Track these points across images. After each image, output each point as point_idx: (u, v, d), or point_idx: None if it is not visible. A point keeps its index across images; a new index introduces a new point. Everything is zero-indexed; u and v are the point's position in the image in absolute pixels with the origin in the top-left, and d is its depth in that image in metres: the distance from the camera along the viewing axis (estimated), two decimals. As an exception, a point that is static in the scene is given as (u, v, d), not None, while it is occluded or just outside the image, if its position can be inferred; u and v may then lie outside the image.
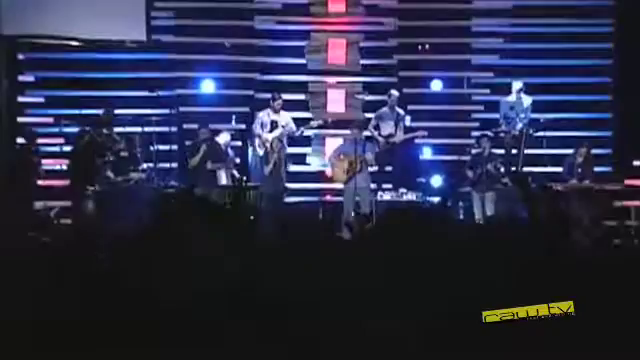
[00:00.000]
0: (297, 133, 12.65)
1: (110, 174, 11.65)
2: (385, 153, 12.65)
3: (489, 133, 12.70)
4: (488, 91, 13.82)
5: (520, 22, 13.97)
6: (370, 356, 3.17)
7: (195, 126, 12.81)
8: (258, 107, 13.10)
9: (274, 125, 12.45)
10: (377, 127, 12.82)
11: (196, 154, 12.20)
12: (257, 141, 12.47)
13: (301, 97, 13.72)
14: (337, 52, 13.90)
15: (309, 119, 13.19)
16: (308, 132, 13.32)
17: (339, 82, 13.92)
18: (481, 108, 13.87)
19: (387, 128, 12.78)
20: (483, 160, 12.26)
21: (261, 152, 12.40)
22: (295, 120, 12.74)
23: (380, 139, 12.71)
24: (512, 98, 12.83)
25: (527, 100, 12.82)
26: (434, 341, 3.22)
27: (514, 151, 12.59)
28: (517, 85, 12.84)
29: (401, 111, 12.87)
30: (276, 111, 12.54)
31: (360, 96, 13.77)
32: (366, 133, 12.76)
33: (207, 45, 13.73)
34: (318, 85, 13.89)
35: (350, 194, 12.03)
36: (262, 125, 12.47)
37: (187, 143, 12.74)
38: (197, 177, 11.96)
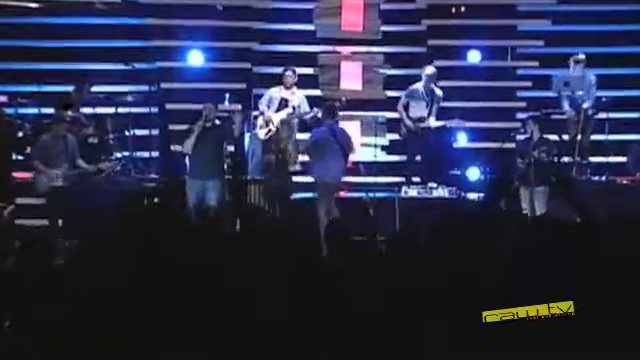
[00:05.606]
0: (310, 116, 12.38)
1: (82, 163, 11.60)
2: (412, 140, 12.63)
3: (538, 115, 12.55)
4: (537, 64, 13.85)
5: (578, -21, 13.96)
6: (382, 354, 3.85)
7: (181, 106, 12.92)
8: (256, 83, 13.11)
9: (283, 104, 12.34)
10: (407, 107, 12.73)
11: (190, 135, 11.28)
12: (260, 121, 12.33)
13: (309, 71, 13.67)
14: (353, 16, 13.89)
15: (322, 99, 13.05)
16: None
17: (355, 53, 13.93)
18: (529, 84, 13.86)
19: (418, 109, 12.69)
20: (531, 148, 12.16)
21: (262, 135, 12.23)
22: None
23: (408, 122, 12.62)
24: (568, 72, 12.71)
25: (587, 75, 12.68)
26: (438, 341, 3.80)
27: (565, 137, 12.52)
28: (575, 56, 12.69)
29: (438, 91, 12.77)
30: (288, 87, 12.41)
31: (381, 70, 13.73)
32: (389, 114, 12.89)
33: (194, 7, 13.81)
34: (330, 57, 13.92)
35: None
36: (269, 102, 12.37)
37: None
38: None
